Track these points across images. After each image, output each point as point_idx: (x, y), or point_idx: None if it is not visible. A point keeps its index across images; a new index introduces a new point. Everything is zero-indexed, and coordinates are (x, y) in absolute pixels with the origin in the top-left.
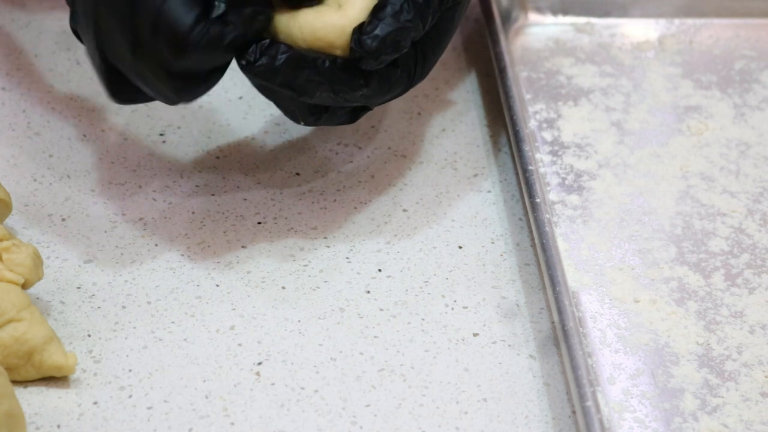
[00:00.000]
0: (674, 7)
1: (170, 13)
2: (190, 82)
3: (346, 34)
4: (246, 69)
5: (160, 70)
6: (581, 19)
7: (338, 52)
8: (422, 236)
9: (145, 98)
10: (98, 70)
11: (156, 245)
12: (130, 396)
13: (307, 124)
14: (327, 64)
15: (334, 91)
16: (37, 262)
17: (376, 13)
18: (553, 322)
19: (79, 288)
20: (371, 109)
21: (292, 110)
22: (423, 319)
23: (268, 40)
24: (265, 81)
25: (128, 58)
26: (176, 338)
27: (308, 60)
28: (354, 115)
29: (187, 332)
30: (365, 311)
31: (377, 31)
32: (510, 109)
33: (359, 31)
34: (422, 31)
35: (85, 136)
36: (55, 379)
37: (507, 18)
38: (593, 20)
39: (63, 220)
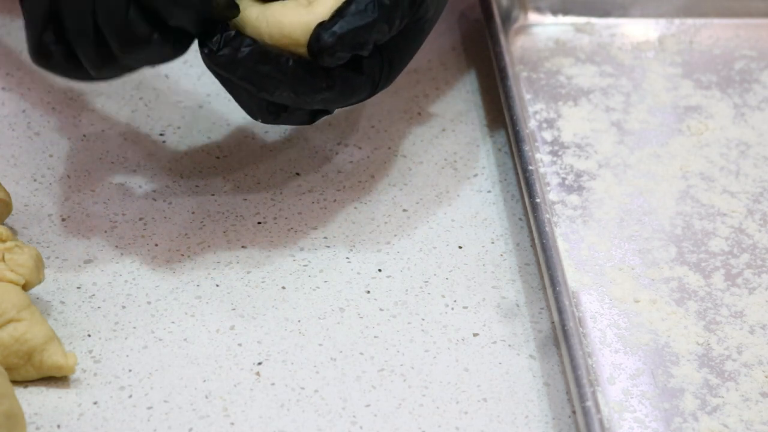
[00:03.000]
0: (674, 7)
1: None
2: (138, 38)
3: (311, 31)
4: (208, 58)
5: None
6: (581, 19)
7: (302, 51)
8: (422, 236)
9: (63, 68)
10: (35, 22)
11: (156, 245)
12: (130, 396)
13: (264, 121)
14: (290, 63)
15: (295, 92)
16: (39, 264)
17: (339, 10)
18: (553, 322)
19: (79, 288)
20: (331, 113)
21: (251, 106)
22: (423, 319)
23: (233, 32)
24: (225, 72)
25: None
26: (176, 338)
27: (271, 56)
28: (313, 116)
29: (187, 332)
30: (365, 311)
31: (335, 28)
32: (510, 109)
33: (319, 26)
34: (387, 33)
35: (85, 136)
36: (55, 379)
37: (507, 18)
38: (593, 20)
39: (63, 220)
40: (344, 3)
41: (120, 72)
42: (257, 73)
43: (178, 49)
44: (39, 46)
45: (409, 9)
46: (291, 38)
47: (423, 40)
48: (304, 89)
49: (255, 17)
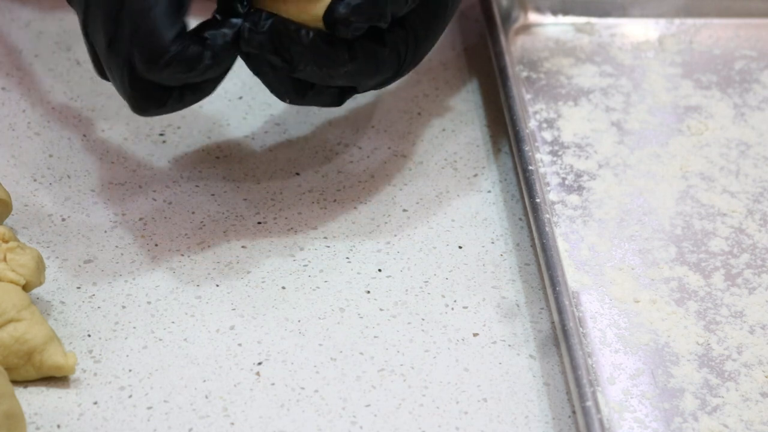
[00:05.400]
0: (674, 7)
1: (152, 23)
2: (148, 98)
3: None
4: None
5: (126, 75)
6: (581, 19)
7: (322, 25)
8: (422, 236)
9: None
10: (86, 45)
11: (156, 245)
12: (130, 396)
13: (292, 102)
14: (311, 35)
15: (318, 65)
16: (40, 266)
17: None
18: (553, 322)
19: (79, 288)
20: (359, 92)
21: (278, 86)
22: (423, 319)
23: (253, 9)
24: (248, 46)
25: (104, 49)
26: (176, 338)
27: (292, 29)
28: (341, 97)
29: (187, 332)
30: (365, 311)
31: (351, 0)
32: (510, 109)
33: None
34: (404, 5)
35: (85, 136)
36: (55, 379)
37: (507, 18)
38: (593, 20)
39: (63, 220)
40: None
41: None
42: (281, 46)
43: (207, 90)
44: (98, 67)
45: None
46: (309, 13)
47: (448, 17)
48: (326, 62)
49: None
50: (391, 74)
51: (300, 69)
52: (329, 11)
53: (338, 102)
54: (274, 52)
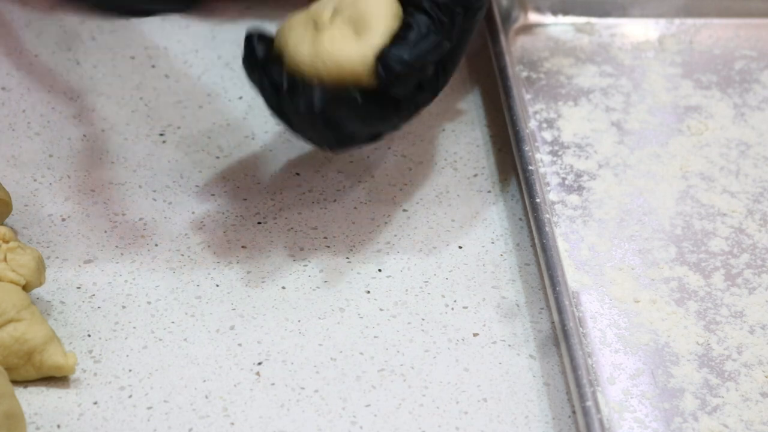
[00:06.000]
0: (674, 7)
1: None
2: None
3: (370, 62)
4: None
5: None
6: (581, 19)
7: (365, 81)
8: (422, 236)
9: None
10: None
11: (156, 245)
12: (130, 396)
13: (333, 152)
14: (360, 100)
15: (367, 124)
16: (41, 266)
17: (401, 36)
18: (553, 322)
19: (79, 288)
20: (399, 129)
21: (319, 141)
22: (423, 319)
23: (299, 83)
24: (303, 124)
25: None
26: (176, 338)
27: (342, 98)
28: (378, 136)
29: (187, 332)
30: (365, 311)
31: (404, 55)
32: (510, 109)
33: (384, 56)
34: (447, 49)
35: (85, 136)
36: (55, 379)
37: (507, 18)
38: (593, 20)
39: (63, 220)
40: (402, 29)
41: (131, 14)
42: (333, 118)
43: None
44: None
45: (463, 21)
46: (350, 72)
47: (470, 40)
48: (374, 121)
49: (309, 60)
50: (425, 107)
51: (348, 130)
52: (384, 70)
53: (375, 141)
54: (327, 127)
